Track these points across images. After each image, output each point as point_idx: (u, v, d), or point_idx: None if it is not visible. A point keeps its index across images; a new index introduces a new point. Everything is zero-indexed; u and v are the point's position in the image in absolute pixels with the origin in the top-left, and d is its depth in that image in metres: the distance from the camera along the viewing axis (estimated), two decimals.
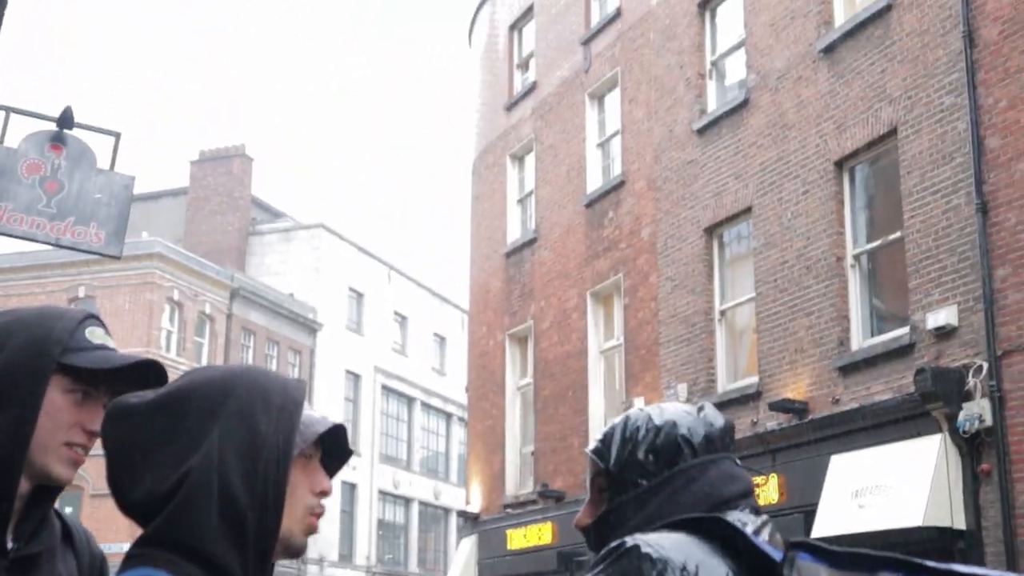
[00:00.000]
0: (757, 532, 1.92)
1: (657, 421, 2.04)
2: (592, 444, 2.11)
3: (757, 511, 2.00)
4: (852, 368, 14.76)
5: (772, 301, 16.46)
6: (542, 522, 22.36)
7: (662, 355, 19.07)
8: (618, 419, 2.12)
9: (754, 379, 16.73)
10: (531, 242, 24.38)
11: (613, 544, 1.84)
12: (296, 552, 1.83)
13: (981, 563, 12.59)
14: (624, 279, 20.71)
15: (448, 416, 55.22)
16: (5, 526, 2.04)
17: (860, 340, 15.01)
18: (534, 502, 22.85)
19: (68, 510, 30.92)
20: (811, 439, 14.72)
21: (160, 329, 39.04)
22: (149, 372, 2.12)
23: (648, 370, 19.54)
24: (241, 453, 1.71)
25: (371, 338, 50.31)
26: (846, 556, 1.70)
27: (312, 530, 1.85)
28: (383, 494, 49.98)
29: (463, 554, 25.48)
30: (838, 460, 14.19)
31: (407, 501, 51.80)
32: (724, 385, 17.61)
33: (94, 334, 2.14)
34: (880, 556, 1.69)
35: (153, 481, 1.71)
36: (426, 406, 54.16)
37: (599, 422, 21.34)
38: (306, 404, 1.86)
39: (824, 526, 13.60)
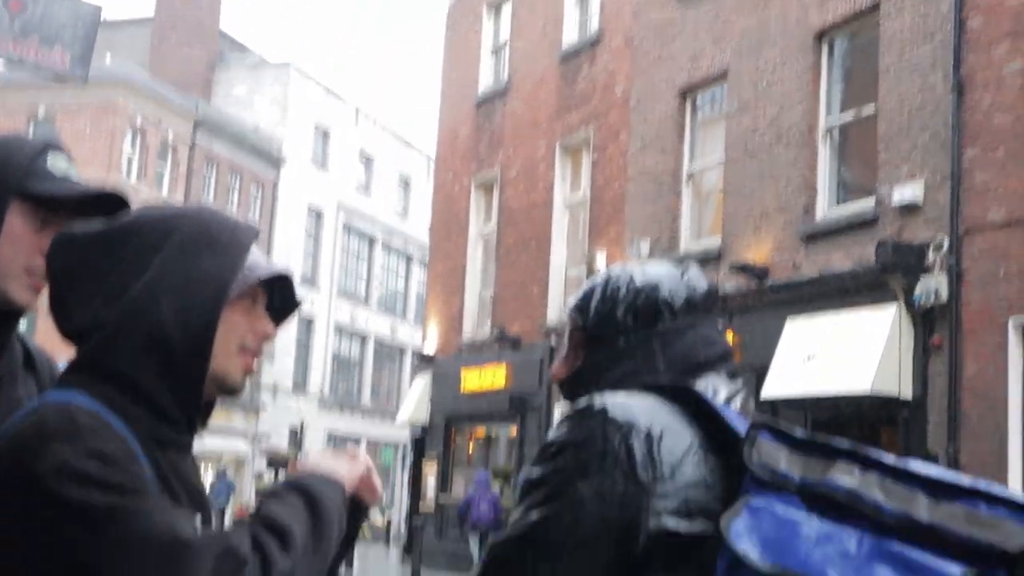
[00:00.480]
0: (730, 399, 1.91)
1: (639, 281, 2.00)
2: (572, 299, 2.07)
3: (734, 375, 1.97)
4: (815, 236, 14.80)
5: (741, 166, 16.40)
6: (496, 364, 22.60)
7: (628, 211, 19.04)
8: (599, 276, 2.07)
9: (717, 240, 16.76)
10: (503, 92, 24.05)
11: (581, 404, 1.82)
12: (231, 390, 1.85)
13: (922, 432, 12.88)
14: (595, 134, 20.53)
15: (408, 258, 55.25)
16: None
17: (825, 209, 15.03)
18: (490, 345, 23.05)
19: (22, 326, 31.43)
20: (769, 301, 14.83)
21: (121, 154, 38.42)
22: (110, 204, 2.09)
23: (612, 225, 19.53)
24: (177, 287, 1.73)
25: (335, 175, 49.90)
26: (806, 442, 1.68)
27: (248, 370, 1.85)
28: (339, 328, 50.27)
29: (416, 391, 25.80)
30: (793, 324, 14.33)
31: (363, 337, 52.16)
32: (687, 244, 17.65)
33: (56, 164, 2.09)
34: (839, 448, 1.66)
35: (91, 309, 1.75)
36: (387, 246, 54.12)
37: (560, 273, 21.44)
38: (255, 249, 1.86)
39: (774, 387, 13.80)
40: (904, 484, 1.60)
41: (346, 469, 1.82)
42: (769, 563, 1.56)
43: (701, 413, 1.81)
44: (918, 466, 1.61)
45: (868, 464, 1.63)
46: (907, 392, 13.01)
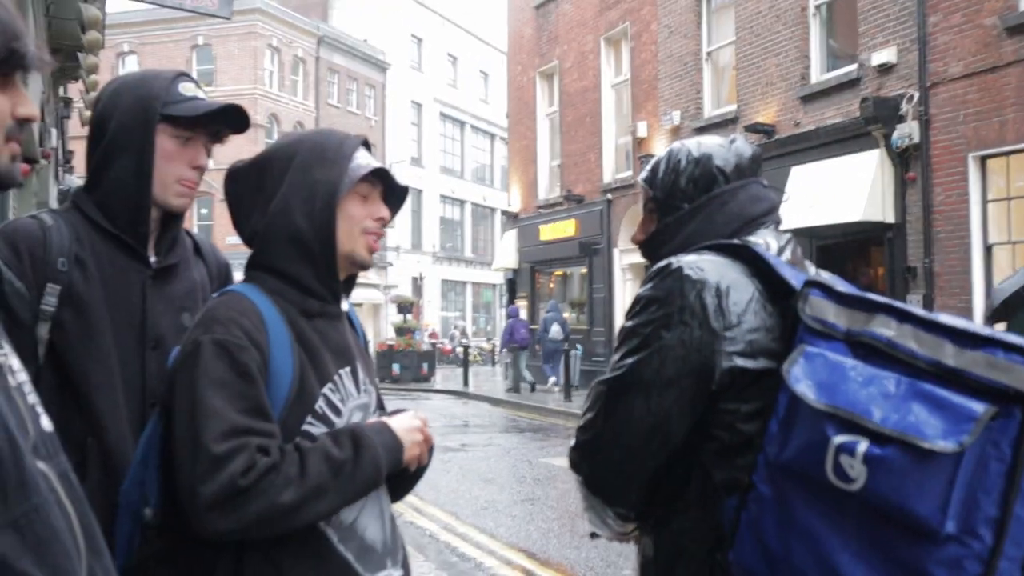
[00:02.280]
0: (780, 251, 1.83)
1: (695, 154, 1.93)
2: (642, 173, 2.00)
3: (778, 226, 1.91)
4: (811, 98, 14.54)
5: (748, 44, 16.04)
6: (566, 219, 22.70)
7: (660, 88, 18.79)
8: (663, 152, 1.99)
9: (733, 107, 16.53)
10: None
11: (661, 264, 1.77)
12: (362, 265, 1.93)
13: (904, 249, 12.83)
14: (630, 26, 20.14)
15: (492, 136, 54.91)
16: (146, 245, 2.07)
17: (818, 75, 14.71)
18: (560, 204, 23.13)
19: (203, 211, 31.27)
20: (777, 154, 14.71)
21: (263, 70, 38.53)
22: (234, 114, 2.12)
23: (649, 100, 19.31)
24: (303, 196, 1.83)
25: (429, 74, 49.50)
26: (852, 297, 1.61)
27: (372, 249, 1.93)
28: (443, 197, 50.53)
29: (506, 243, 26.03)
30: (797, 170, 14.22)
31: (462, 203, 52.38)
32: (709, 112, 17.43)
33: (187, 88, 2.09)
34: (879, 302, 1.59)
35: (250, 222, 1.89)
36: (475, 128, 53.80)
37: (611, 142, 21.30)
38: (362, 154, 1.93)
39: (786, 222, 13.78)
40: (934, 334, 1.51)
41: (405, 426, 1.86)
42: (824, 402, 1.51)
43: (758, 267, 1.75)
44: (946, 318, 1.53)
45: (903, 317, 1.55)
46: (890, 218, 12.91)
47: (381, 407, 2.02)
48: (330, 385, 1.83)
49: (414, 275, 46.06)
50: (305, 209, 1.83)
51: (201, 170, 2.13)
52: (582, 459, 1.80)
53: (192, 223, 38.17)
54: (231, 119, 2.13)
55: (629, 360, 1.73)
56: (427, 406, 20.00)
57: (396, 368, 26.76)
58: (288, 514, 1.63)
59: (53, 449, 1.16)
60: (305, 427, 1.76)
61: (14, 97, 1.18)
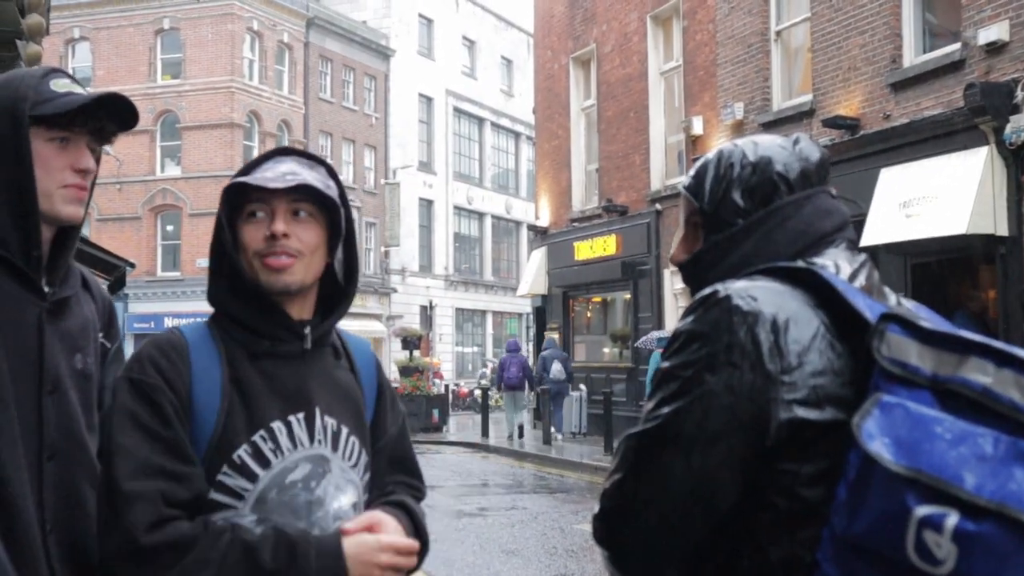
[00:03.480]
0: (853, 275, 1.80)
1: (751, 157, 1.89)
2: (685, 181, 1.96)
3: (854, 245, 1.88)
4: (903, 84, 14.45)
5: (827, 20, 16.00)
6: (607, 234, 22.72)
7: (719, 75, 18.78)
8: (711, 154, 1.95)
9: (807, 97, 16.48)
10: None
11: (706, 292, 1.74)
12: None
13: (1020, 267, 12.69)
14: (683, 1, 20.17)
15: (516, 135, 55.20)
16: (39, 272, 2.15)
17: (912, 57, 14.64)
18: (599, 216, 23.15)
19: (169, 227, 31.66)
20: (862, 154, 14.61)
21: (242, 59, 38.92)
22: (117, 106, 2.19)
23: (706, 90, 19.30)
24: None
25: (442, 62, 49.84)
26: (939, 335, 1.58)
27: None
28: (458, 209, 50.74)
29: (534, 264, 26.08)
30: (887, 173, 14.13)
31: (480, 215, 52.58)
32: (779, 103, 17.39)
33: (59, 84, 2.17)
34: (973, 341, 1.55)
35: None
36: (496, 126, 54.11)
37: (660, 141, 21.32)
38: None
39: (873, 235, 13.68)
40: None
41: (363, 556, 1.94)
42: (903, 465, 1.48)
43: (825, 295, 1.71)
44: None
45: (1004, 360, 1.52)
46: (1003, 230, 12.76)
47: (372, 467, 2.12)
48: (262, 432, 1.97)
49: (423, 303, 46.21)
50: (216, 248, 2.08)
51: (86, 173, 2.19)
52: (608, 530, 1.77)
53: (157, 241, 38.49)
54: (115, 113, 2.21)
55: (665, 409, 1.70)
56: (438, 462, 19.97)
57: None
58: None
59: None
60: (221, 477, 1.94)
61: None
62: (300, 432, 2.00)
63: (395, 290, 45.11)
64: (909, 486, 1.47)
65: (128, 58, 39.04)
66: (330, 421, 2.04)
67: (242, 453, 1.94)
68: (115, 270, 17.36)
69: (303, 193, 2.05)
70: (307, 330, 2.08)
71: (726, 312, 1.68)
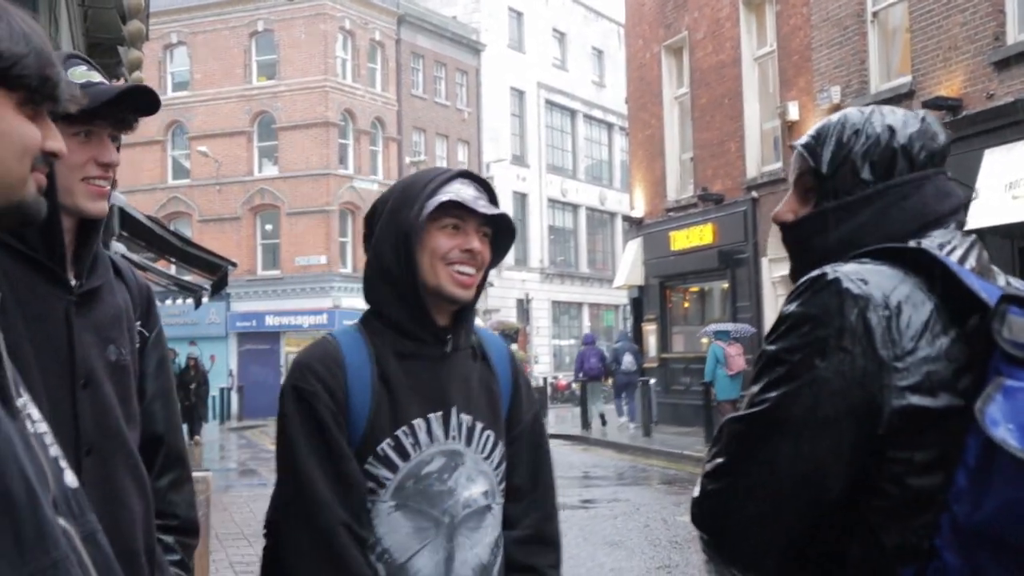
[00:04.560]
0: (964, 257, 1.75)
1: (877, 127, 1.83)
2: (803, 139, 1.90)
3: (962, 227, 1.82)
4: (1007, 63, 14.11)
5: None
6: (703, 223, 22.55)
7: (815, 59, 18.52)
8: (835, 116, 1.89)
9: (907, 78, 16.17)
10: None
11: (814, 274, 1.70)
12: (450, 300, 2.26)
13: None
14: None
15: (609, 126, 55.00)
16: (64, 266, 2.13)
17: (1016, 34, 14.27)
18: (695, 205, 23.00)
19: (268, 227, 32.21)
20: (964, 135, 14.30)
21: (335, 58, 39.39)
22: (141, 96, 2.18)
23: (801, 75, 19.05)
24: (390, 237, 2.29)
25: (532, 55, 49.87)
26: None
27: (459, 283, 2.25)
28: (552, 202, 50.75)
29: (630, 255, 26.00)
30: (991, 154, 13.81)
31: (575, 207, 52.52)
32: (877, 86, 17.09)
33: (76, 74, 2.15)
34: None
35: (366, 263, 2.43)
36: (588, 117, 53.97)
37: (755, 128, 21.10)
38: (458, 186, 2.28)
39: (978, 218, 13.36)
40: None
41: None
42: None
43: (938, 277, 1.66)
44: None
45: None
46: None
47: (503, 460, 2.36)
48: (404, 428, 2.22)
49: (519, 296, 46.35)
50: (391, 249, 2.26)
51: (109, 166, 2.18)
52: (708, 514, 1.74)
53: (256, 240, 39.20)
54: (136, 103, 2.18)
55: (773, 393, 1.67)
56: None
57: None
58: None
59: (78, 508, 1.28)
60: (367, 466, 2.20)
61: (44, 129, 1.35)
62: (437, 429, 2.24)
63: (491, 284, 45.26)
64: None
65: (224, 61, 39.80)
66: (465, 418, 2.28)
67: (385, 446, 2.20)
68: (218, 270, 17.74)
69: (490, 220, 2.30)
70: (449, 336, 2.30)
71: (836, 295, 1.64)
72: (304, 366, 2.23)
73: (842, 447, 1.62)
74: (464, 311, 2.34)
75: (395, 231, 2.26)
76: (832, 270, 1.68)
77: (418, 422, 2.23)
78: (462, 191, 2.27)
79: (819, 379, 1.63)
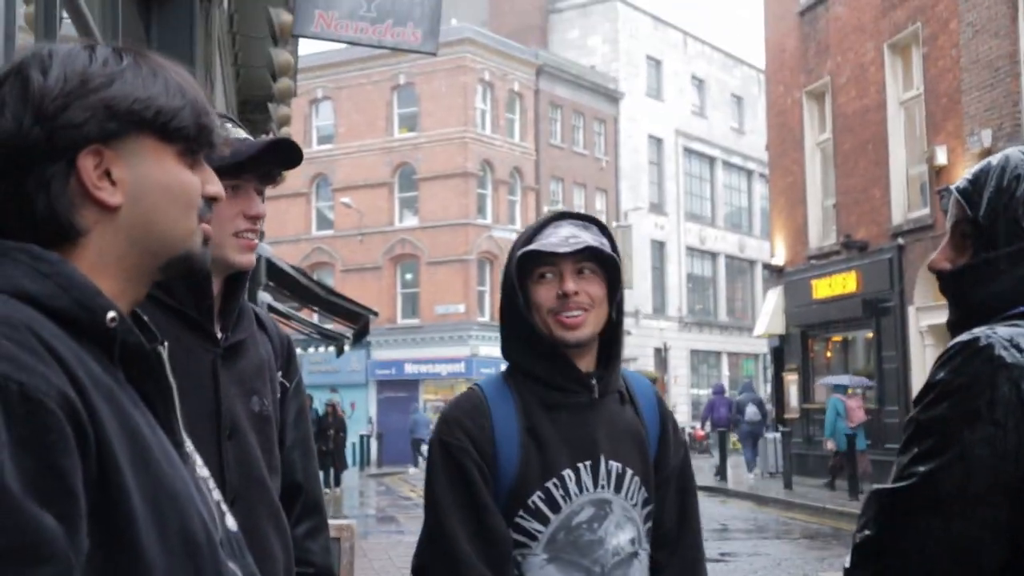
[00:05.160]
0: None
1: None
2: (960, 182, 1.81)
3: None
4: None
5: None
6: (846, 271, 22.11)
7: (964, 102, 18.05)
8: (995, 158, 1.79)
9: None
10: None
11: (965, 338, 1.62)
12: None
13: None
14: (923, 28, 19.53)
15: (749, 173, 54.49)
16: (211, 319, 2.19)
17: None
18: (837, 252, 22.57)
19: (408, 276, 32.77)
20: None
21: (475, 109, 40.01)
22: (285, 150, 2.24)
23: (950, 118, 18.58)
24: (507, 289, 2.36)
25: (671, 103, 49.83)
26: None
27: (567, 325, 2.25)
28: (690, 250, 50.39)
29: (770, 303, 25.62)
30: None
31: (713, 255, 52.05)
32: None
33: (223, 132, 2.21)
34: None
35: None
36: (727, 164, 53.57)
37: (901, 174, 20.66)
38: (553, 231, 2.29)
39: None
40: None
41: None
42: None
43: None
44: None
45: None
46: None
47: (651, 506, 2.35)
48: (554, 480, 2.22)
49: (657, 345, 46.02)
50: (507, 305, 2.31)
51: (257, 219, 2.22)
52: None
53: (396, 290, 39.87)
54: (281, 156, 2.25)
55: (922, 468, 1.60)
56: None
57: None
58: None
59: (239, 550, 1.35)
60: (517, 520, 2.21)
61: (202, 175, 1.39)
62: (586, 478, 2.24)
63: (629, 332, 45.06)
64: None
65: (367, 114, 40.79)
66: (615, 465, 2.28)
67: (536, 499, 2.22)
68: (359, 319, 18.10)
69: (586, 254, 2.27)
70: (594, 381, 2.30)
71: (987, 363, 1.56)
72: (452, 420, 2.27)
73: (996, 524, 1.56)
74: (610, 354, 2.34)
75: (504, 290, 2.33)
76: (985, 335, 1.59)
77: (567, 473, 2.24)
78: (551, 234, 2.28)
79: (969, 454, 1.56)
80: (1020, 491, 1.53)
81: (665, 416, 2.44)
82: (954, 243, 1.81)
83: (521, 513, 2.21)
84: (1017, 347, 1.57)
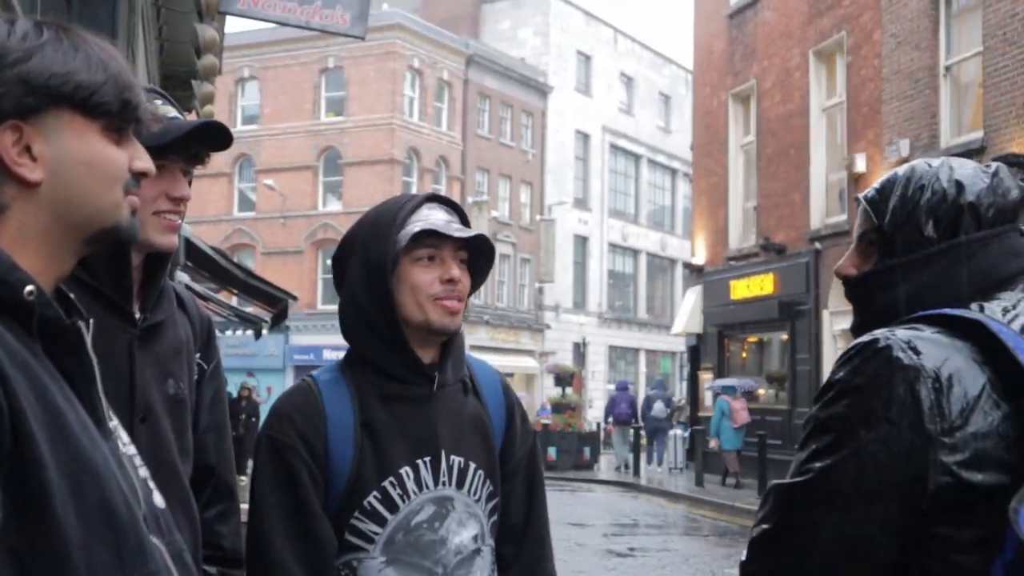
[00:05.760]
0: None
1: (944, 182, 1.76)
2: (868, 192, 1.86)
3: None
4: None
5: (1000, 54, 15.54)
6: (764, 273, 22.42)
7: (884, 112, 18.41)
8: (901, 170, 1.84)
9: (979, 134, 16.00)
10: (754, 2, 23.53)
11: (865, 339, 1.66)
12: (442, 333, 2.17)
13: None
14: (847, 37, 19.86)
15: (673, 172, 54.97)
16: (130, 299, 2.16)
17: None
18: (756, 255, 22.87)
19: (330, 262, 32.94)
20: None
21: (403, 96, 39.82)
22: (214, 132, 2.19)
23: (870, 127, 18.93)
24: (362, 275, 2.20)
25: (599, 99, 50.06)
26: None
27: (450, 311, 2.15)
28: (613, 246, 50.71)
29: (689, 302, 25.90)
30: None
31: (635, 252, 52.44)
32: (947, 140, 16.93)
33: (153, 108, 2.13)
34: None
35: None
36: (652, 163, 53.99)
37: (820, 179, 20.99)
38: (429, 212, 2.18)
39: None
40: None
41: None
42: None
43: (993, 349, 1.60)
44: None
45: None
46: None
47: (497, 503, 2.25)
48: (391, 479, 2.11)
49: (576, 340, 46.26)
50: (366, 289, 2.16)
51: (181, 200, 2.18)
52: None
53: (318, 275, 39.54)
54: (210, 138, 2.20)
55: (818, 464, 1.64)
56: (589, 500, 19.95)
57: (552, 452, 26.82)
58: None
59: (167, 527, 1.36)
60: (353, 521, 2.10)
61: (130, 150, 1.39)
62: (426, 475, 2.13)
63: (549, 326, 45.27)
64: None
65: (294, 96, 40.39)
66: (457, 460, 2.17)
67: (372, 500, 2.10)
68: (279, 303, 17.93)
69: (466, 242, 2.19)
70: (436, 372, 2.19)
71: (886, 363, 1.60)
72: (283, 415, 2.15)
73: (888, 522, 1.59)
74: (450, 344, 2.23)
75: (368, 270, 2.17)
76: (885, 337, 1.64)
77: (406, 470, 2.12)
78: (432, 217, 2.18)
79: (864, 451, 1.59)
80: (912, 489, 1.57)
81: (512, 405, 2.34)
82: (860, 250, 1.87)
83: (357, 514, 2.10)
84: (914, 349, 1.60)
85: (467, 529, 2.17)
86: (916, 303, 1.73)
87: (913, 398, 1.58)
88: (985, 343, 1.61)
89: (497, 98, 44.17)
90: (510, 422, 2.33)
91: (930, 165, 1.82)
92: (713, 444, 21.87)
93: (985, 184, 1.76)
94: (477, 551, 2.18)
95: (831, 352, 20.09)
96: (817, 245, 20.57)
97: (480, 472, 2.20)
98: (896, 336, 1.63)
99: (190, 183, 2.25)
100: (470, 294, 2.24)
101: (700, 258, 25.52)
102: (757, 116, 23.32)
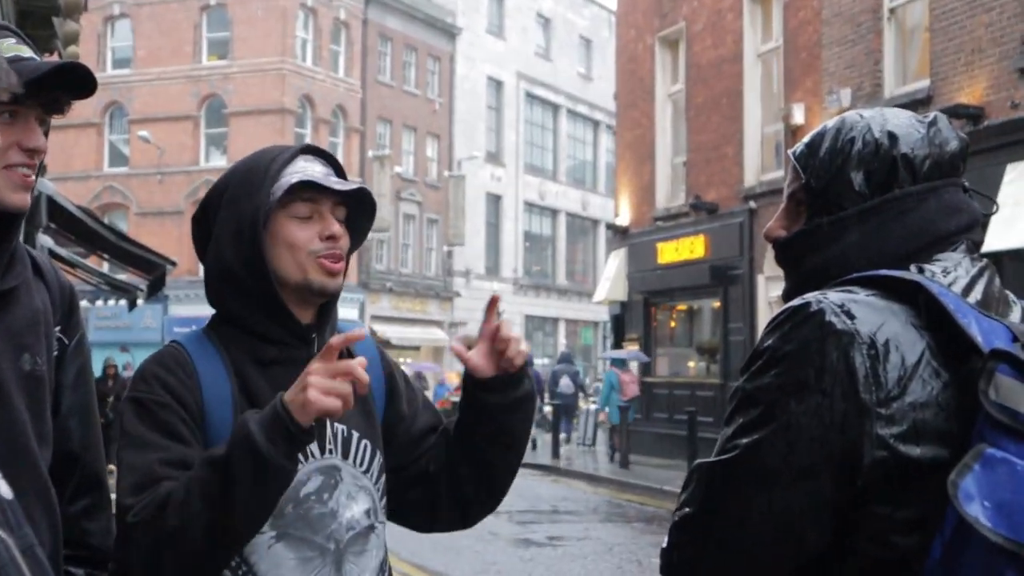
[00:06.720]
0: (970, 286, 1.71)
1: (876, 133, 1.79)
2: (798, 146, 1.88)
3: (976, 248, 1.79)
4: None
5: None
6: (694, 235, 22.60)
7: (824, 58, 18.61)
8: (831, 122, 1.86)
9: (925, 83, 16.27)
10: None
11: (796, 303, 1.68)
12: (321, 293, 2.19)
13: None
14: None
15: (595, 124, 55.18)
16: None
17: None
18: (686, 214, 23.04)
19: (123, 226, 31.92)
20: (986, 146, 14.37)
21: (294, 38, 39.37)
22: (75, 75, 2.10)
23: (809, 74, 19.14)
24: (231, 232, 2.18)
25: (513, 42, 49.97)
26: None
27: (330, 271, 2.17)
28: (529, 205, 50.83)
29: (612, 267, 26.01)
30: (1015, 168, 13.91)
31: (554, 212, 52.62)
32: (891, 90, 17.18)
33: (2, 47, 2.07)
34: None
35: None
36: (572, 113, 54.13)
37: (755, 131, 21.18)
38: (304, 164, 2.19)
39: (997, 238, 13.47)
40: None
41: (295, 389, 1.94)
42: (1003, 535, 1.44)
43: (933, 313, 1.63)
44: None
45: None
46: None
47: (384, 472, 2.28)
48: None
49: None
50: (235, 247, 2.15)
51: (35, 152, 2.11)
52: (678, 568, 1.74)
53: None
54: (70, 82, 2.12)
55: (745, 439, 1.65)
56: None
57: None
58: (175, 535, 1.92)
59: (15, 520, 1.34)
60: None
61: None
62: (312, 443, 2.08)
63: (458, 294, 45.29)
64: (1009, 560, 1.43)
65: (171, 37, 39.67)
66: (340, 427, 2.19)
67: None
68: (156, 269, 17.68)
69: (345, 197, 2.21)
70: (314, 335, 2.22)
71: (817, 330, 1.62)
72: (151, 376, 2.11)
73: (820, 499, 1.61)
74: (327, 305, 2.26)
75: (240, 226, 2.15)
76: (816, 300, 1.65)
77: None
78: (310, 169, 2.19)
79: (795, 424, 1.61)
80: (846, 463, 1.58)
81: (390, 372, 2.38)
82: (790, 210, 1.89)
83: None
84: (848, 313, 1.62)
85: (357, 503, 2.19)
86: (849, 264, 1.75)
87: (847, 366, 1.59)
88: (924, 307, 1.64)
89: (400, 41, 43.84)
90: (391, 389, 2.37)
91: (862, 116, 1.84)
92: (602, 417, 23.20)
93: (920, 135, 1.79)
94: (371, 527, 2.22)
95: (766, 320, 20.34)
96: (752, 204, 20.80)
97: (365, 441, 2.22)
98: (828, 299, 1.65)
99: (47, 133, 2.16)
100: (349, 254, 2.26)
101: (624, 219, 25.63)
102: (686, 62, 23.42)
